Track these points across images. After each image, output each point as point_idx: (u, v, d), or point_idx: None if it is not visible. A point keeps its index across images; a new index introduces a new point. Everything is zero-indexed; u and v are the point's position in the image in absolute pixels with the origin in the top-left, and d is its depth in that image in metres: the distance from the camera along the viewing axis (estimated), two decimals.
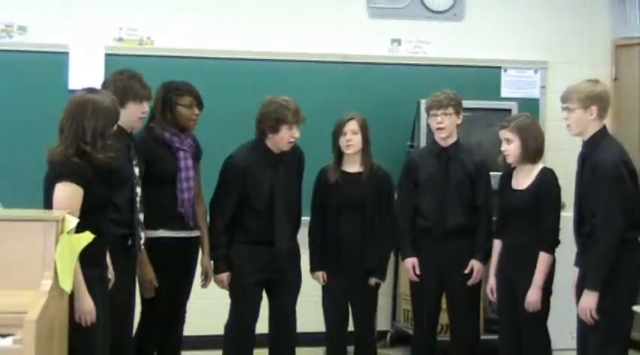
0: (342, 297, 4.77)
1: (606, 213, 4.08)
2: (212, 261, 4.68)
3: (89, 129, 3.69)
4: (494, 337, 4.93)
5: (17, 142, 5.61)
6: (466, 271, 4.70)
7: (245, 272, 4.60)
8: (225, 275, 4.62)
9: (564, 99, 4.30)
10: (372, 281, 4.76)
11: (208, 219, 4.75)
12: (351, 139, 4.70)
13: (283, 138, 4.59)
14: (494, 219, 4.79)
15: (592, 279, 4.13)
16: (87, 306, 3.61)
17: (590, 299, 4.11)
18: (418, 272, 4.78)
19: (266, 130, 4.59)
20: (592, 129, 4.23)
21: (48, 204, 3.68)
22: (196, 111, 4.62)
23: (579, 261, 4.31)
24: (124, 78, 4.26)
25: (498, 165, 4.70)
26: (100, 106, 3.73)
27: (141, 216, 4.32)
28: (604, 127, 4.27)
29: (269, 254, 4.59)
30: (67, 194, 3.64)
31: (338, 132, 4.72)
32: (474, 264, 4.71)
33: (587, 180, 4.18)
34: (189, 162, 4.58)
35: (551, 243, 4.49)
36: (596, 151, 4.18)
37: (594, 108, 4.20)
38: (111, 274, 3.94)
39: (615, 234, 4.07)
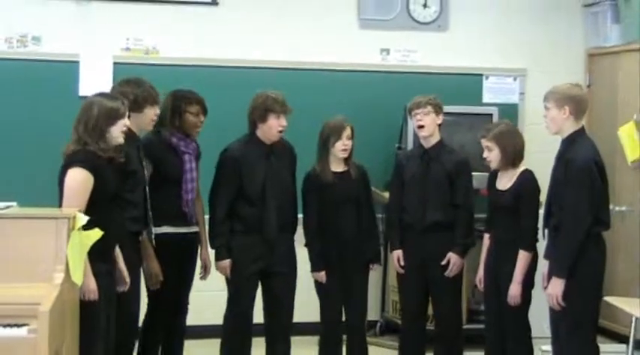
0: (336, 290, 4.77)
1: (575, 208, 4.11)
2: (214, 249, 4.68)
3: (88, 130, 3.75)
4: (478, 326, 4.95)
5: (31, 145, 5.63)
6: (443, 263, 4.71)
7: (241, 263, 4.62)
8: (227, 262, 4.62)
9: (545, 98, 4.35)
10: (375, 267, 4.85)
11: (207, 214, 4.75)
12: (348, 144, 4.72)
13: (272, 127, 4.61)
14: (482, 215, 4.79)
15: (558, 267, 4.16)
16: (90, 285, 3.63)
17: (556, 286, 4.14)
18: (402, 263, 4.80)
19: (256, 121, 4.63)
20: (568, 128, 4.25)
21: (62, 193, 3.72)
22: (202, 118, 4.68)
23: (548, 254, 4.35)
24: (143, 85, 4.30)
25: (481, 165, 4.72)
26: (94, 106, 3.79)
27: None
28: (582, 128, 4.30)
29: (263, 242, 4.61)
30: (78, 178, 3.67)
31: (334, 135, 4.71)
32: (451, 257, 4.71)
33: (559, 175, 4.21)
34: (194, 165, 4.63)
35: (530, 241, 4.49)
36: (570, 149, 4.20)
37: (567, 108, 4.23)
38: (127, 278, 3.96)
39: (582, 228, 4.10)
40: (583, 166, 4.13)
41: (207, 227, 4.75)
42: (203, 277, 4.78)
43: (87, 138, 3.74)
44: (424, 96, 4.81)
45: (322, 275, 4.73)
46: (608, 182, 4.30)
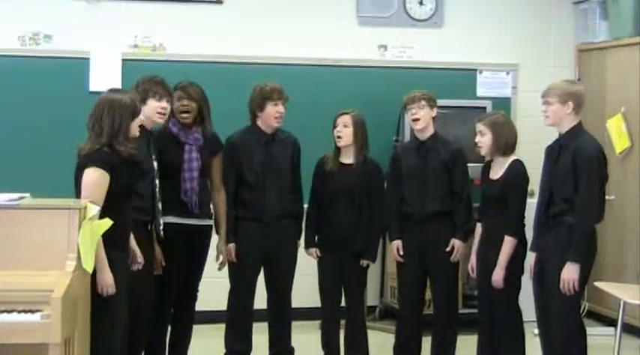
0: (334, 275, 4.77)
1: (588, 194, 4.11)
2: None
3: (107, 126, 3.72)
4: (472, 310, 4.94)
5: (44, 139, 5.63)
6: (447, 249, 4.68)
7: (243, 249, 4.63)
8: (232, 246, 4.64)
9: (545, 94, 4.33)
10: (364, 262, 4.77)
11: None
12: (341, 131, 4.70)
13: (270, 114, 4.62)
14: (476, 204, 4.78)
15: (575, 253, 4.12)
16: (108, 280, 3.63)
17: (572, 272, 4.10)
18: (402, 253, 4.78)
19: (255, 110, 4.64)
20: (568, 122, 4.26)
21: (78, 191, 3.70)
22: (185, 102, 4.52)
23: (535, 246, 4.34)
24: (152, 79, 4.30)
25: (474, 155, 4.70)
26: (116, 104, 3.76)
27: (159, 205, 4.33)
28: (580, 122, 4.30)
29: (264, 227, 4.62)
30: (95, 177, 3.66)
31: (333, 124, 4.73)
32: (455, 243, 4.68)
33: (565, 165, 4.19)
34: (194, 155, 4.55)
35: (515, 228, 4.47)
36: (575, 141, 4.20)
37: (570, 103, 4.24)
38: (140, 258, 3.99)
39: (596, 213, 4.12)
40: (593, 154, 4.15)
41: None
42: (220, 268, 4.73)
43: (113, 140, 3.71)
44: (418, 91, 4.78)
45: (312, 252, 4.74)
46: None
